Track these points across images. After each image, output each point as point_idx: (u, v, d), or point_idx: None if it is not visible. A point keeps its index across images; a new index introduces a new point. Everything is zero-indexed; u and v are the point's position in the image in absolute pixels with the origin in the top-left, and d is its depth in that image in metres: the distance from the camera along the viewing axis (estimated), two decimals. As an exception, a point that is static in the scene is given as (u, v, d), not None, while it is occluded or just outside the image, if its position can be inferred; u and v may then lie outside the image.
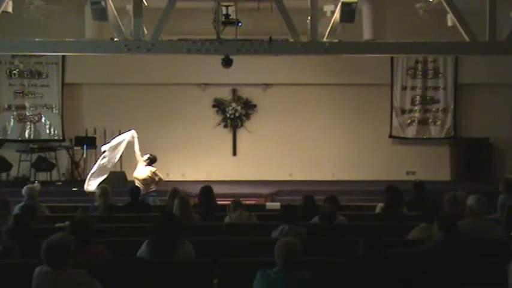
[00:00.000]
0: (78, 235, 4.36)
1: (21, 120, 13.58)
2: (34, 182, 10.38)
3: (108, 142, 10.07)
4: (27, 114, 13.56)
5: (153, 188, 9.39)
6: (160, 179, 9.48)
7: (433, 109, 13.84)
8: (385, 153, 13.69)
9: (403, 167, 13.56)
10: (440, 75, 13.82)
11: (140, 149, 9.73)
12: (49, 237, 4.06)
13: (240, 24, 8.31)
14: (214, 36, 8.15)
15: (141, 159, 9.53)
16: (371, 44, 9.07)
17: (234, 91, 13.79)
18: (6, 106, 13.53)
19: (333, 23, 8.17)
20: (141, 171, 9.43)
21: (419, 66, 13.81)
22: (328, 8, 9.40)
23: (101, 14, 7.67)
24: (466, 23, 8.11)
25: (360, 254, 4.61)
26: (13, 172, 12.89)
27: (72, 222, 4.99)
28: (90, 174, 9.86)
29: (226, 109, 13.71)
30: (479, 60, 12.51)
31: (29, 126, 13.59)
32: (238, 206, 6.92)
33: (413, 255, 4.85)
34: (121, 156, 10.10)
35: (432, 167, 13.45)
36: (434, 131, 13.87)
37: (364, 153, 13.54)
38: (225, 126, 13.81)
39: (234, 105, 13.68)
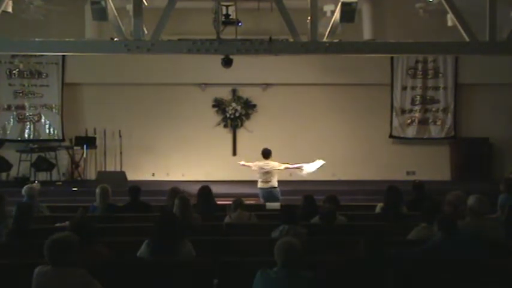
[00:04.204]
0: (78, 235, 4.35)
1: (21, 120, 13.58)
2: (34, 182, 10.37)
3: None
4: (27, 114, 13.56)
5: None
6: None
7: (433, 109, 13.85)
8: (385, 153, 13.69)
9: (403, 167, 13.57)
10: (440, 75, 13.82)
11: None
12: (51, 236, 4.06)
13: (240, 24, 8.29)
14: (214, 36, 8.14)
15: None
16: (371, 44, 9.05)
17: (234, 91, 13.79)
18: (6, 106, 13.54)
19: (333, 23, 8.16)
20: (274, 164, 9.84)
21: (419, 66, 13.82)
22: (328, 8, 9.39)
23: (101, 14, 7.66)
24: (466, 23, 8.10)
25: (360, 254, 4.61)
26: (13, 172, 12.89)
27: (72, 222, 4.98)
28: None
29: (226, 109, 13.72)
30: (479, 60, 12.51)
31: (28, 126, 13.60)
32: (238, 206, 6.91)
33: (413, 255, 4.84)
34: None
35: (432, 167, 13.45)
36: (434, 131, 13.87)
37: (364, 153, 13.54)
38: (225, 126, 13.82)
39: (234, 105, 13.69)
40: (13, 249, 5.32)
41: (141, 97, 13.68)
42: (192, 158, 13.49)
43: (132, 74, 13.01)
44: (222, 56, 8.33)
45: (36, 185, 8.19)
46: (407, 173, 13.44)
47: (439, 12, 9.64)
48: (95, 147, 13.26)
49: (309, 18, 8.14)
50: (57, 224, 6.27)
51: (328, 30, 8.26)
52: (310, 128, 13.68)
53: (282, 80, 13.54)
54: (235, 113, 13.68)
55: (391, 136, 13.89)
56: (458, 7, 8.18)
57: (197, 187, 7.68)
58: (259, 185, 9.80)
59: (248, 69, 12.01)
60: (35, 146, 13.10)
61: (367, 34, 11.50)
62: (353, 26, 8.13)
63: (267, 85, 13.79)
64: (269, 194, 9.64)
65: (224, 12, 8.10)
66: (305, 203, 7.04)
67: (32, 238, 5.38)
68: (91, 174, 13.30)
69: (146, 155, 13.47)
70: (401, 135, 13.90)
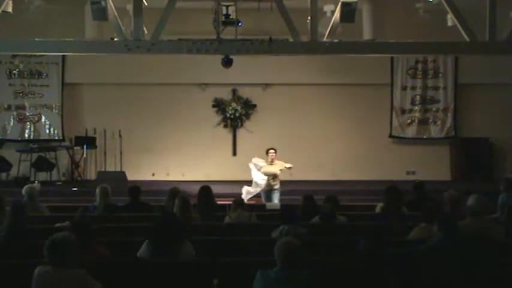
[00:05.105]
0: (78, 235, 4.36)
1: (21, 120, 13.58)
2: (34, 182, 10.38)
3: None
4: (27, 114, 13.56)
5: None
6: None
7: (433, 109, 13.85)
8: (385, 153, 13.68)
9: (403, 167, 13.56)
10: (440, 75, 13.82)
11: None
12: (51, 236, 4.06)
13: (240, 24, 8.29)
14: (214, 36, 8.14)
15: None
16: (371, 44, 9.06)
17: (234, 91, 13.79)
18: (6, 106, 13.54)
19: (333, 23, 8.18)
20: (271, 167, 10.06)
21: (419, 66, 13.82)
22: (328, 8, 9.39)
23: (101, 14, 7.68)
24: (466, 23, 8.11)
25: (360, 254, 4.61)
26: (13, 172, 12.90)
27: (72, 222, 4.99)
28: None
29: (226, 109, 13.71)
30: (479, 60, 12.51)
31: (28, 126, 13.59)
32: (238, 206, 6.92)
33: (413, 255, 4.84)
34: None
35: (432, 167, 13.45)
36: (434, 131, 13.88)
37: (364, 153, 13.53)
38: (225, 126, 13.82)
39: (234, 105, 13.68)
40: (13, 249, 5.32)
41: (141, 97, 13.68)
42: (192, 158, 13.49)
43: (132, 74, 13.00)
44: (222, 56, 8.34)
45: (36, 185, 8.19)
46: (407, 173, 13.43)
47: (439, 12, 9.64)
48: (95, 147, 13.26)
49: (309, 18, 8.15)
50: (57, 224, 6.27)
51: (328, 30, 8.27)
52: (310, 127, 13.67)
53: (282, 80, 13.54)
54: (235, 113, 13.68)
55: (391, 136, 13.89)
56: (458, 7, 8.19)
57: (197, 187, 7.68)
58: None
59: (248, 69, 12.02)
60: (35, 146, 13.10)
61: (367, 34, 11.50)
62: (353, 26, 8.13)
63: (267, 85, 13.78)
64: None
65: (224, 12, 8.11)
66: (305, 203, 7.05)
67: (32, 238, 5.37)
68: (91, 174, 13.30)
69: (146, 155, 13.46)
70: (401, 135, 13.90)
